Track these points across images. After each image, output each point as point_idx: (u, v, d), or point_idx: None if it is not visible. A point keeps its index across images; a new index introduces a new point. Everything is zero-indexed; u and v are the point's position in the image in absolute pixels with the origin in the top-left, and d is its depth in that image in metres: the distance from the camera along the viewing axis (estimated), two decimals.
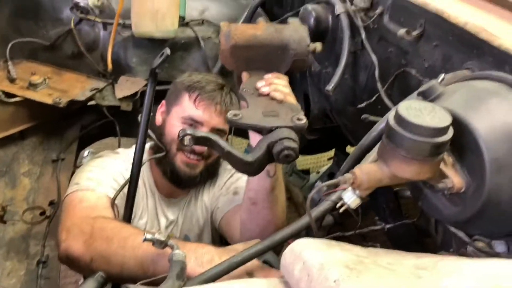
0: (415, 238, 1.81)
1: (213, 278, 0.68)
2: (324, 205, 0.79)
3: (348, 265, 0.49)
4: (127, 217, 1.02)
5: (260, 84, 0.92)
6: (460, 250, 0.87)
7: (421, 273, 0.49)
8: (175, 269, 0.64)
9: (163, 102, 1.27)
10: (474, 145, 0.62)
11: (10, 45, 1.54)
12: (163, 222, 1.25)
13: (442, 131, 0.59)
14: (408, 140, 0.60)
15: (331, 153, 2.58)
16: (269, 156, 0.79)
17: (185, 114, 1.16)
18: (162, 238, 0.76)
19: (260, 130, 0.82)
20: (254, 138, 0.94)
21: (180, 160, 1.17)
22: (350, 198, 0.67)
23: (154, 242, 0.76)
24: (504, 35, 0.84)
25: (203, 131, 0.79)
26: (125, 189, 1.07)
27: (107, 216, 0.99)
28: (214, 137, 0.77)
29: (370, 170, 0.64)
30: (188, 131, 0.75)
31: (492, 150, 0.61)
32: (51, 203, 1.38)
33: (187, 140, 0.75)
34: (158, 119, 1.24)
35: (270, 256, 0.79)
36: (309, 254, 0.54)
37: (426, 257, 0.58)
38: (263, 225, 1.06)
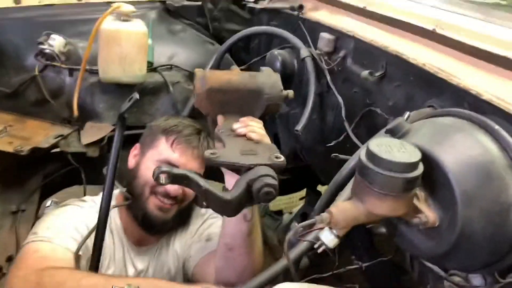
0: (392, 276, 1.80)
1: None
2: (301, 247, 0.78)
3: None
4: (94, 268, 0.95)
5: (236, 125, 0.93)
6: (437, 285, 0.86)
7: None
8: None
9: (137, 145, 1.24)
10: (444, 179, 0.63)
11: None
12: (131, 271, 1.18)
13: (413, 166, 0.60)
14: (381, 176, 0.60)
15: (303, 193, 2.58)
16: (248, 195, 0.77)
17: (161, 157, 1.14)
18: None
19: (238, 169, 0.81)
20: (230, 179, 0.93)
21: (153, 204, 1.13)
22: (328, 238, 0.66)
23: None
24: (461, 75, 0.89)
25: (180, 169, 0.76)
26: (91, 239, 1.01)
27: (59, 267, 0.93)
28: (192, 175, 0.75)
29: (345, 208, 0.64)
30: (164, 168, 0.73)
31: (461, 183, 0.62)
32: (9, 259, 1.28)
33: (163, 178, 0.72)
34: (131, 161, 1.21)
35: None
36: None
37: None
38: (240, 271, 1.02)
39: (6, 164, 1.48)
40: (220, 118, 0.99)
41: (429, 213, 0.65)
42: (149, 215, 1.13)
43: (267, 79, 1.03)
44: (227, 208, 0.76)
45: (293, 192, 2.51)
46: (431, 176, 0.65)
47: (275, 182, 0.75)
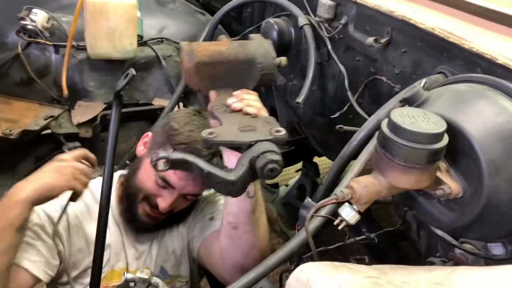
0: (391, 243, 1.82)
1: None
2: (316, 222, 0.76)
3: None
4: (99, 256, 0.92)
5: (230, 100, 0.87)
6: (448, 254, 0.86)
7: None
8: None
9: (149, 133, 1.17)
10: (469, 148, 0.61)
11: None
12: (131, 253, 1.15)
13: (439, 136, 0.58)
14: (405, 149, 0.58)
15: (298, 165, 2.57)
16: (252, 173, 0.73)
17: (161, 172, 1.07)
18: (145, 276, 0.68)
19: (238, 147, 0.77)
20: (229, 158, 0.89)
21: (142, 209, 1.09)
22: (349, 214, 0.63)
23: (136, 281, 0.68)
24: (473, 38, 0.86)
25: (178, 154, 0.72)
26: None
27: None
28: (191, 159, 0.71)
29: (367, 183, 0.61)
30: (162, 154, 0.68)
31: (487, 152, 0.60)
32: None
33: (161, 165, 0.68)
34: (139, 150, 1.15)
35: (264, 281, 0.74)
36: (318, 281, 0.50)
37: (436, 269, 0.55)
38: (246, 250, 1.00)
39: None
40: (212, 94, 0.93)
41: (452, 184, 0.62)
42: (137, 218, 1.10)
43: (259, 47, 0.96)
44: (232, 189, 0.73)
45: (289, 165, 2.50)
46: (455, 146, 0.62)
47: (279, 157, 0.72)
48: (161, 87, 1.56)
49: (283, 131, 0.78)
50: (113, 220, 1.14)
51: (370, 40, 1.08)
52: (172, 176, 1.04)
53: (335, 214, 0.70)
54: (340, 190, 0.62)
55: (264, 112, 0.88)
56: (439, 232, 0.82)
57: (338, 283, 0.47)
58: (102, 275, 1.03)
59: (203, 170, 0.70)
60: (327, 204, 0.79)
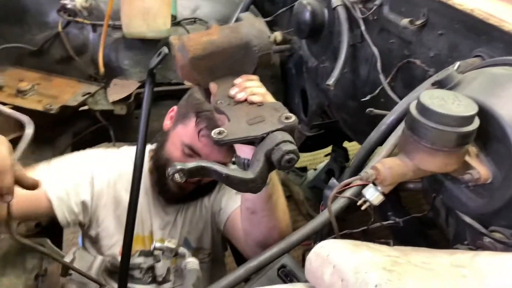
0: (418, 230, 1.80)
1: (231, 286, 0.65)
2: (340, 202, 0.76)
3: (385, 267, 0.46)
4: (130, 225, 0.96)
5: (233, 91, 0.85)
6: (476, 242, 0.84)
7: (463, 271, 0.46)
8: (191, 279, 0.60)
9: (174, 108, 1.21)
10: (500, 133, 0.59)
11: None
12: (157, 222, 1.20)
13: (469, 119, 0.56)
14: (433, 131, 0.57)
15: (328, 149, 2.56)
16: (269, 166, 0.72)
17: (187, 141, 1.10)
18: (173, 246, 0.71)
19: (251, 141, 0.75)
20: (241, 148, 0.87)
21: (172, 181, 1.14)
22: (373, 195, 0.64)
23: (164, 250, 0.72)
24: None
25: (193, 162, 0.70)
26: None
27: None
28: (208, 164, 0.70)
29: (393, 165, 0.61)
30: (178, 166, 0.67)
31: None
32: (38, 225, 1.33)
33: (178, 177, 0.67)
34: (166, 124, 1.20)
35: (287, 258, 0.75)
36: (338, 256, 0.51)
37: (458, 253, 0.55)
38: (266, 232, 1.02)
39: (37, 122, 1.49)
40: (212, 86, 0.90)
41: (481, 169, 0.61)
42: (167, 189, 1.14)
43: (251, 28, 0.90)
44: (253, 186, 0.72)
45: (318, 149, 2.49)
46: (486, 130, 0.61)
47: (294, 147, 0.70)
48: None
49: (292, 117, 0.76)
50: (143, 189, 1.19)
51: (405, 21, 1.06)
52: (198, 143, 1.07)
53: (360, 196, 0.70)
54: (365, 171, 0.62)
55: (269, 97, 0.85)
56: (468, 220, 0.81)
57: (357, 259, 0.48)
58: None
59: (221, 174, 0.69)
60: (351, 186, 0.79)
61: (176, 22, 1.58)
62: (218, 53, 0.87)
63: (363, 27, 1.24)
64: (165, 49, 0.93)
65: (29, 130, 0.93)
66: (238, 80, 0.87)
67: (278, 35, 0.91)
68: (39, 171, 1.07)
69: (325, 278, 0.50)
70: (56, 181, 1.07)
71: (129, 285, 1.19)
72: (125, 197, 1.08)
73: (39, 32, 1.55)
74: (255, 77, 0.90)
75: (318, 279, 0.52)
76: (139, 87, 1.57)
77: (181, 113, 1.15)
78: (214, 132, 0.74)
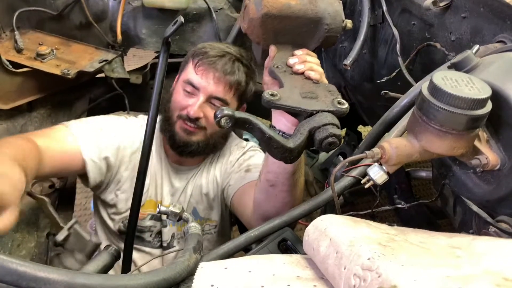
0: (427, 219, 1.79)
1: (230, 253, 0.66)
2: (345, 181, 0.76)
3: (380, 242, 0.46)
4: (139, 188, 0.99)
5: (292, 60, 0.85)
6: (481, 231, 0.84)
7: (458, 252, 0.46)
8: (192, 242, 0.61)
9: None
10: None
11: (16, 14, 1.49)
12: (167, 188, 1.23)
13: (481, 103, 0.55)
14: (443, 112, 0.56)
15: (342, 132, 2.54)
16: (309, 142, 0.72)
17: (186, 78, 1.15)
18: (177, 210, 0.73)
19: (299, 113, 0.75)
20: (278, 118, 0.89)
21: (179, 126, 1.16)
22: (377, 174, 0.63)
23: (168, 214, 0.73)
24: None
25: (242, 113, 0.69)
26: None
27: (29, 139, 0.96)
28: (256, 120, 0.70)
29: (399, 145, 0.61)
30: (226, 111, 0.66)
31: None
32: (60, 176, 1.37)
33: (224, 121, 0.66)
34: (175, 81, 1.24)
35: (289, 232, 0.76)
36: (335, 230, 0.51)
37: (458, 236, 0.55)
38: (280, 207, 1.03)
39: (54, 87, 1.52)
40: (272, 49, 0.89)
41: (490, 155, 0.60)
42: (175, 136, 1.16)
43: (328, 6, 0.89)
44: (288, 156, 0.71)
45: None
46: (498, 115, 0.59)
47: (339, 132, 0.70)
48: (211, 39, 1.58)
49: (346, 104, 0.76)
50: (157, 156, 1.22)
51: (428, 2, 1.03)
52: (195, 76, 1.12)
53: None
54: (371, 150, 0.62)
55: (325, 79, 0.86)
56: (475, 208, 0.80)
57: (353, 233, 0.49)
58: (142, 204, 1.16)
59: (265, 133, 0.69)
60: (358, 165, 0.79)
61: None
62: (291, 19, 0.87)
63: (384, 7, 1.21)
64: (181, 18, 0.93)
65: None
66: (299, 52, 0.87)
67: (349, 23, 0.91)
68: (72, 128, 1.10)
69: (320, 250, 0.51)
70: (90, 141, 1.11)
71: (138, 246, 1.23)
72: None
73: None
74: (315, 55, 0.89)
75: (314, 251, 0.52)
76: (155, 57, 1.57)
77: (181, 67, 1.21)
78: (267, 92, 0.73)
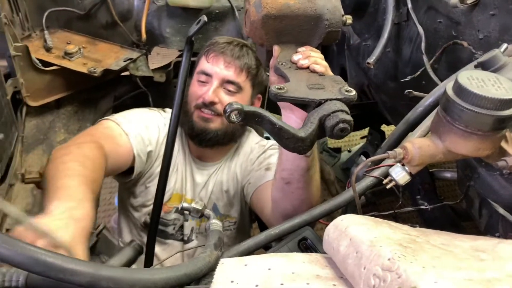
0: (452, 221, 1.75)
1: (251, 250, 0.67)
2: (367, 181, 0.76)
3: (401, 243, 0.45)
4: (162, 183, 1.00)
5: (296, 57, 0.86)
6: (508, 234, 0.82)
7: (482, 256, 0.45)
8: (213, 239, 0.62)
9: None
10: None
11: (46, 14, 1.54)
12: (188, 181, 1.26)
13: (508, 103, 0.54)
14: (469, 113, 0.55)
15: (364, 132, 2.51)
16: (320, 131, 0.72)
17: (199, 69, 1.19)
18: (199, 207, 0.74)
19: (307, 104, 0.75)
20: (288, 115, 0.89)
21: (196, 115, 1.19)
22: (399, 174, 0.63)
23: (191, 210, 0.75)
24: None
25: (251, 107, 0.70)
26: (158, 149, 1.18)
27: (98, 145, 1.00)
28: (264, 113, 0.70)
29: (422, 145, 0.60)
30: (235, 105, 0.67)
31: None
32: None
33: (234, 116, 0.67)
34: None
35: (309, 232, 0.76)
36: (356, 230, 0.51)
37: (482, 239, 0.54)
38: (297, 204, 1.03)
39: (81, 85, 1.56)
40: (276, 48, 0.91)
41: None
42: (193, 125, 1.19)
43: (327, 3, 0.91)
44: (300, 145, 0.71)
45: (355, 130, 2.44)
46: None
47: (350, 117, 0.70)
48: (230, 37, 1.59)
49: (353, 91, 0.76)
50: (182, 150, 1.25)
51: (455, 0, 1.00)
52: (207, 64, 1.17)
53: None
54: (394, 150, 0.61)
55: (330, 72, 0.87)
56: (501, 211, 0.78)
57: (374, 233, 0.48)
58: (168, 197, 1.22)
59: (275, 124, 0.70)
60: (380, 166, 0.78)
61: None
62: (291, 17, 0.88)
63: (409, 5, 1.19)
64: (204, 17, 0.94)
65: None
66: (302, 49, 0.88)
67: (349, 18, 0.91)
68: (122, 125, 1.14)
69: (340, 249, 0.51)
70: (138, 138, 1.15)
71: (161, 239, 1.26)
72: (174, 159, 1.16)
73: None
74: (318, 51, 0.90)
75: (334, 250, 0.52)
76: (179, 56, 1.60)
77: (196, 62, 1.25)
78: (274, 86, 0.74)
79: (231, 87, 1.17)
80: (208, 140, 1.20)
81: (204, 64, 1.18)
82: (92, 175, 0.87)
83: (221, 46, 1.17)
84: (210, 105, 1.16)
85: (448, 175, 1.72)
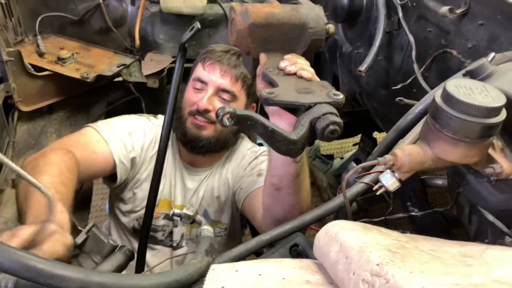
0: (443, 228, 1.76)
1: (242, 256, 0.67)
2: (358, 187, 0.76)
3: (389, 248, 0.46)
4: (154, 188, 1.00)
5: (283, 64, 0.88)
6: (496, 241, 0.82)
7: (469, 261, 0.45)
8: (204, 245, 0.62)
9: None
10: None
11: (39, 19, 1.54)
12: (178, 187, 1.26)
13: (495, 111, 0.55)
14: (457, 120, 0.56)
15: (356, 139, 2.53)
16: (311, 134, 0.74)
17: (194, 76, 1.20)
18: (191, 213, 0.74)
19: (297, 108, 0.77)
20: (276, 121, 0.90)
21: (190, 122, 1.20)
22: (389, 181, 0.63)
23: (182, 216, 0.75)
24: None
25: (243, 110, 0.71)
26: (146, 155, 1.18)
27: (67, 151, 0.98)
28: (256, 116, 0.71)
29: (412, 152, 0.61)
30: (228, 109, 0.67)
31: None
32: None
33: (226, 120, 0.68)
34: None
35: (300, 238, 0.76)
36: (346, 236, 0.51)
37: (470, 245, 0.54)
38: (288, 209, 1.03)
39: (74, 90, 1.56)
40: (263, 56, 0.92)
41: (505, 164, 0.60)
42: (186, 132, 1.20)
43: (310, 11, 0.93)
44: (292, 148, 0.73)
45: (347, 137, 2.46)
46: None
47: (339, 120, 0.72)
48: (226, 45, 1.60)
49: (341, 95, 0.78)
50: (172, 156, 1.25)
51: (444, 9, 1.02)
52: (203, 71, 1.18)
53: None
54: (383, 156, 0.62)
55: (317, 78, 0.88)
56: (490, 218, 0.79)
57: (364, 239, 0.49)
58: (156, 203, 1.17)
59: (268, 127, 0.71)
60: (371, 172, 0.79)
61: None
62: (277, 26, 0.90)
63: (400, 14, 1.21)
64: (197, 24, 0.95)
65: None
66: (288, 56, 0.90)
67: (332, 27, 0.94)
68: (102, 131, 1.13)
69: (331, 255, 0.51)
70: (120, 144, 1.15)
71: (150, 245, 1.25)
72: None
73: (81, 3, 1.60)
74: (303, 58, 0.92)
75: (325, 256, 0.53)
76: (172, 62, 1.60)
77: (192, 69, 1.26)
78: (264, 92, 0.76)
79: (226, 96, 1.17)
80: (200, 147, 1.20)
81: (200, 71, 1.18)
82: (56, 180, 0.85)
83: (218, 55, 1.18)
84: (204, 112, 1.16)
85: (439, 182, 1.74)
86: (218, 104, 1.17)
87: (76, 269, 0.48)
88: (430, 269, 0.42)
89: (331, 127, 0.70)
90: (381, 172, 0.70)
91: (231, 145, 1.29)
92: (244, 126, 0.72)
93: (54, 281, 0.46)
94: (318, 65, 1.86)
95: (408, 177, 0.63)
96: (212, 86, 1.16)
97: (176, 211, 0.75)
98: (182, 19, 1.54)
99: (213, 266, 0.54)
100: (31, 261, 0.46)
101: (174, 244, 1.26)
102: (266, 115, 0.95)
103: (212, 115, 1.17)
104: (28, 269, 0.45)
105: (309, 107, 0.75)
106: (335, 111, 0.73)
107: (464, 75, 0.75)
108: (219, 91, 1.17)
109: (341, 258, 0.48)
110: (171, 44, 1.59)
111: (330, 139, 0.71)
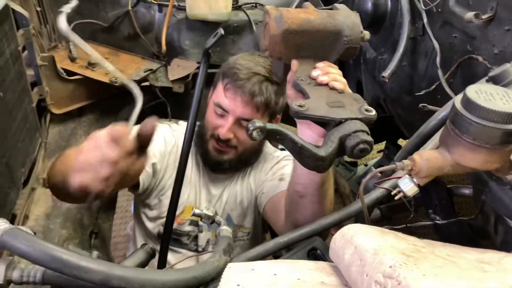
0: (468, 238, 1.71)
1: (259, 257, 0.68)
2: (377, 193, 0.76)
3: (404, 252, 0.46)
4: (176, 194, 1.03)
5: (315, 73, 0.85)
6: None
7: (486, 267, 0.45)
8: (222, 244, 0.64)
9: None
10: None
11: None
12: (204, 194, 1.27)
13: None
14: (477, 126, 0.55)
15: (381, 146, 2.49)
16: (340, 150, 0.72)
17: (216, 100, 1.17)
18: (210, 214, 0.76)
19: (327, 123, 0.75)
20: (303, 130, 0.89)
21: (211, 145, 1.20)
22: (407, 186, 0.63)
23: (202, 216, 0.76)
24: None
25: (273, 125, 0.70)
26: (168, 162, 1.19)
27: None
28: (286, 131, 0.71)
29: (430, 157, 0.60)
30: (258, 123, 0.67)
31: None
32: None
33: (256, 133, 0.68)
34: (209, 96, 1.27)
35: (319, 242, 0.77)
36: (361, 239, 0.52)
37: (489, 252, 0.54)
38: (310, 217, 1.02)
39: (103, 94, 1.62)
40: (294, 63, 0.90)
41: None
42: (207, 154, 1.20)
43: (346, 19, 0.91)
44: (320, 164, 0.72)
45: None
46: None
47: (370, 138, 0.70)
48: (250, 51, 1.62)
49: (373, 111, 0.76)
50: (195, 163, 1.27)
51: (470, 15, 1.01)
52: (224, 99, 1.14)
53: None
54: (401, 161, 0.62)
55: (349, 89, 0.87)
56: None
57: (379, 242, 0.49)
58: (181, 210, 1.22)
59: (297, 143, 0.70)
60: (391, 178, 0.79)
61: (237, 6, 1.62)
62: (311, 33, 0.88)
63: (425, 20, 1.20)
64: (221, 30, 0.97)
65: (139, 103, 1.00)
66: (320, 64, 0.88)
67: (367, 34, 0.92)
68: None
69: (345, 257, 0.51)
70: None
71: (175, 248, 1.28)
72: (187, 171, 1.15)
73: (111, 10, 1.66)
74: (336, 67, 0.90)
75: (340, 258, 0.53)
76: (197, 68, 1.64)
77: (215, 83, 1.23)
78: (294, 103, 0.75)
79: (246, 124, 1.16)
80: (221, 169, 1.22)
81: (222, 98, 1.15)
82: None
83: (239, 83, 1.14)
84: (225, 141, 1.16)
85: (466, 191, 1.69)
86: (239, 131, 1.17)
87: (99, 262, 0.50)
88: (444, 272, 0.42)
89: (361, 145, 0.69)
90: (396, 178, 0.70)
91: (252, 163, 1.29)
92: (273, 140, 0.71)
93: (78, 272, 0.48)
94: (342, 70, 1.84)
95: (426, 182, 0.63)
96: (233, 115, 1.15)
97: (196, 211, 0.77)
98: (207, 26, 1.57)
99: (229, 265, 0.56)
100: (58, 253, 0.48)
101: (200, 249, 1.28)
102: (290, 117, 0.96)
103: (234, 141, 1.17)
104: (55, 260, 0.48)
105: (339, 122, 0.73)
106: (366, 128, 0.71)
107: (487, 80, 0.74)
108: (240, 120, 1.16)
109: (355, 260, 0.49)
110: (196, 50, 1.63)
111: (359, 157, 0.70)
